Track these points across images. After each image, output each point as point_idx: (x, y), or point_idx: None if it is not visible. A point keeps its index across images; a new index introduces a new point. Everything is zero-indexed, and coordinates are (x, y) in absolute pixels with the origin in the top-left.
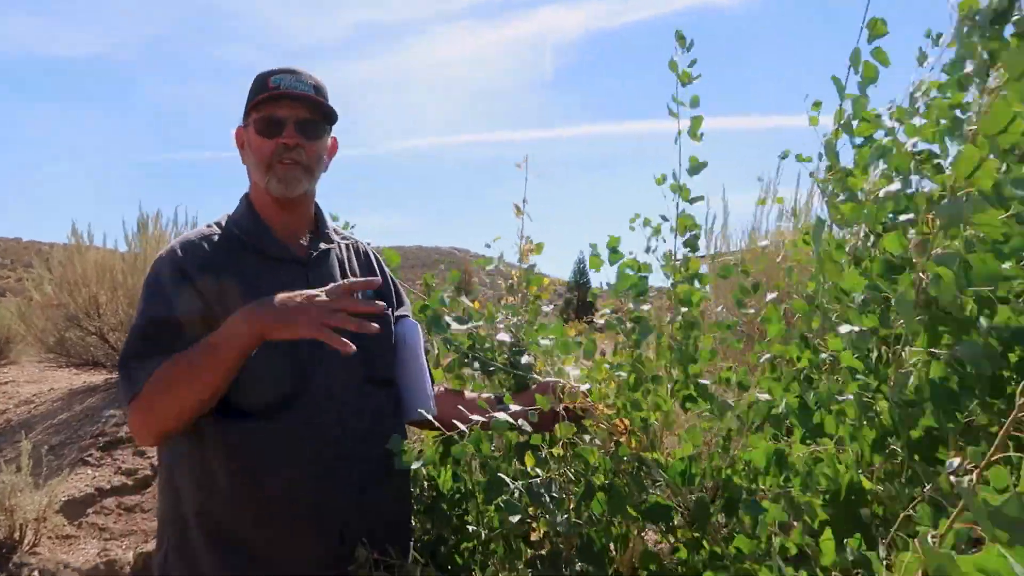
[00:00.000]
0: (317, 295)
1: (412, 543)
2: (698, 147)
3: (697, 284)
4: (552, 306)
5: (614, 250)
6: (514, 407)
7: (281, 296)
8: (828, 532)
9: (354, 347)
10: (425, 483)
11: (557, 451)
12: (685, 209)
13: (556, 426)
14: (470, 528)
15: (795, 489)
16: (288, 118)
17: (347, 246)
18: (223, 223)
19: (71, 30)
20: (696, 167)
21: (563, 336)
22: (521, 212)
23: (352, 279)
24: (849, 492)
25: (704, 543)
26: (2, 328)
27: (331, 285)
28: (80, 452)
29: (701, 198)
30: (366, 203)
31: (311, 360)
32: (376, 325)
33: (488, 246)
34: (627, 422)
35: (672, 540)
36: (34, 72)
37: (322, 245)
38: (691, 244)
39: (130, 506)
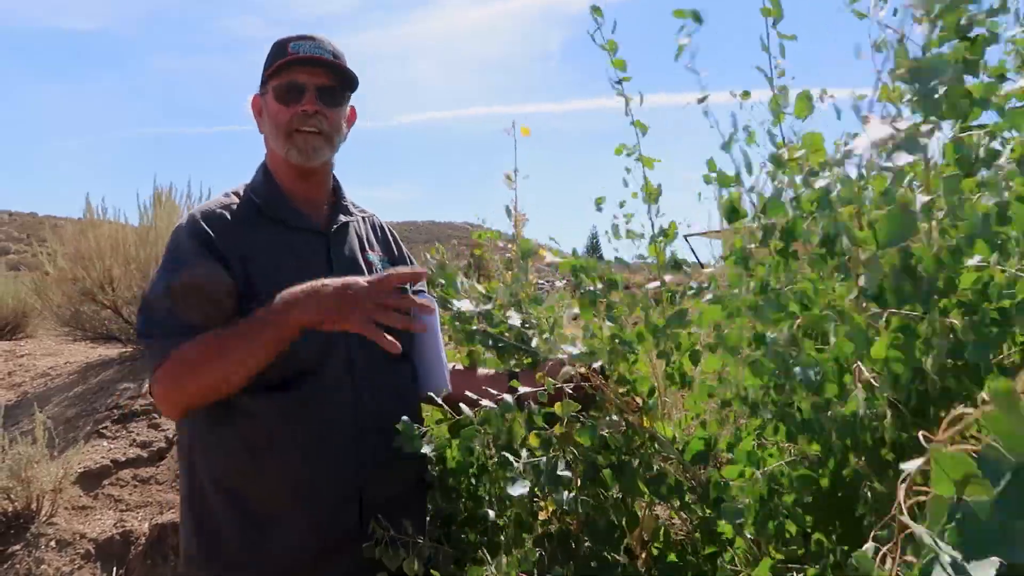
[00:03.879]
0: (366, 287)
1: (427, 519)
2: (705, 120)
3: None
4: (565, 280)
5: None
6: (523, 389)
7: (334, 286)
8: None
9: (400, 347)
10: (434, 459)
11: (559, 429)
12: (649, 178)
13: (556, 404)
14: (481, 503)
15: (786, 495)
16: (308, 84)
17: (364, 219)
18: (241, 192)
19: (77, 2)
20: (644, 130)
21: (563, 301)
22: (512, 181)
23: (401, 270)
24: (833, 490)
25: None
26: (19, 302)
27: (379, 276)
28: (96, 424)
29: (659, 160)
30: (377, 176)
31: (334, 334)
32: (424, 324)
33: (483, 221)
34: (638, 399)
35: (684, 517)
36: (42, 45)
37: (341, 217)
38: (652, 197)
39: (145, 478)
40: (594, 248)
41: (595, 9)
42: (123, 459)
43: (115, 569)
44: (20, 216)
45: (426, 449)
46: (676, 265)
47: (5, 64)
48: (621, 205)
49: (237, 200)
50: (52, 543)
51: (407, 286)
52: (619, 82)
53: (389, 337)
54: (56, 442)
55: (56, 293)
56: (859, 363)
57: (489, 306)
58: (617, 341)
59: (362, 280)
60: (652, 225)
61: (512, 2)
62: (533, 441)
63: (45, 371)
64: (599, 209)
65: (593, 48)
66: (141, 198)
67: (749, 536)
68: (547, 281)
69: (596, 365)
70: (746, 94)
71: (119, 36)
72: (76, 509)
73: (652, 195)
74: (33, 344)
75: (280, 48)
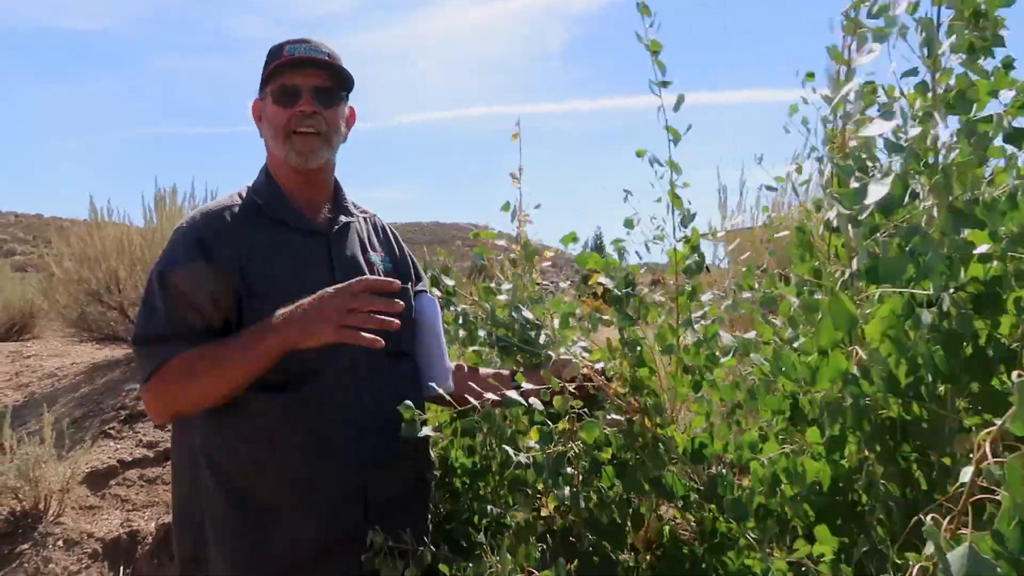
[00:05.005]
0: (333, 297)
1: (429, 518)
2: (717, 121)
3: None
4: (569, 282)
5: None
6: (527, 385)
7: (306, 304)
8: (822, 529)
9: (383, 343)
10: (436, 460)
11: (562, 425)
12: (675, 183)
13: (555, 399)
14: (484, 500)
15: (786, 488)
16: (304, 86)
17: (365, 219)
18: (244, 193)
19: (78, 2)
20: (677, 139)
21: (570, 311)
22: (517, 181)
23: (371, 278)
24: (835, 485)
25: (720, 520)
26: (25, 303)
27: (348, 283)
28: (102, 425)
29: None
30: (377, 177)
31: None
32: (396, 321)
33: (488, 223)
34: (639, 400)
35: (688, 516)
36: (43, 46)
37: (342, 218)
38: (686, 220)
39: (151, 478)
40: (599, 249)
41: (643, 7)
42: (130, 459)
43: (122, 568)
44: (26, 218)
45: (427, 430)
46: (697, 267)
47: (7, 64)
48: (652, 219)
49: (240, 201)
50: (60, 542)
51: (408, 286)
52: (662, 84)
53: (369, 336)
54: (64, 442)
55: (62, 294)
56: (856, 347)
57: (503, 298)
58: (629, 347)
59: (329, 290)
60: (674, 230)
61: (513, 2)
62: (534, 436)
63: (52, 372)
64: (626, 198)
65: (593, 49)
66: (145, 200)
67: (752, 535)
68: (551, 282)
69: (599, 365)
70: (810, 75)
71: (119, 36)
72: (83, 509)
73: (677, 201)
74: (40, 345)
75: (276, 52)
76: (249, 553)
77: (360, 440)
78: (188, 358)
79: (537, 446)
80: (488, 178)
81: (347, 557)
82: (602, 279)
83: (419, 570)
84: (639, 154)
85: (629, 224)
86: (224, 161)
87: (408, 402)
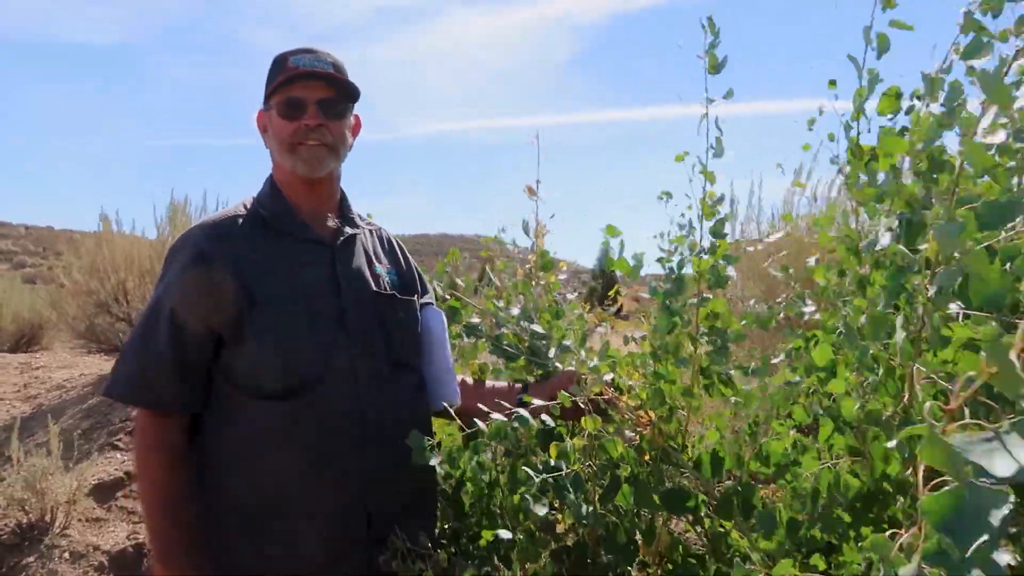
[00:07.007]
0: None
1: (436, 530)
2: (726, 132)
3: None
4: (576, 293)
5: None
6: (537, 402)
7: None
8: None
9: None
10: (444, 472)
11: (579, 442)
12: (709, 191)
13: (583, 419)
14: (494, 516)
15: (823, 493)
16: (309, 98)
17: (371, 231)
18: (248, 204)
19: (93, 15)
20: (721, 150)
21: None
22: (534, 193)
23: None
24: (869, 497)
25: (732, 534)
26: (34, 315)
27: None
28: (109, 437)
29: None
30: (384, 187)
31: (335, 343)
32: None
33: (503, 230)
34: (651, 414)
35: (699, 530)
36: (58, 58)
37: (348, 230)
38: (717, 229)
39: None
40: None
41: (710, 24)
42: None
43: None
44: (36, 230)
45: (435, 461)
46: (722, 279)
47: (21, 75)
48: (688, 224)
49: (244, 212)
50: (66, 555)
51: (414, 298)
52: (714, 99)
53: None
54: (71, 454)
55: (71, 305)
56: (916, 366)
57: (518, 323)
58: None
59: None
60: (700, 239)
61: (519, 15)
62: (553, 453)
63: (60, 383)
64: (666, 200)
65: (598, 62)
66: (157, 212)
67: (763, 549)
68: (558, 293)
69: (608, 378)
70: (832, 83)
71: (132, 49)
72: (90, 521)
73: (708, 211)
74: (48, 356)
75: (280, 63)
76: (249, 563)
77: (362, 451)
78: (143, 476)
79: (554, 463)
80: (494, 190)
81: (349, 570)
82: (640, 293)
83: (435, 573)
84: (679, 159)
85: (672, 237)
86: (234, 172)
87: (415, 431)
